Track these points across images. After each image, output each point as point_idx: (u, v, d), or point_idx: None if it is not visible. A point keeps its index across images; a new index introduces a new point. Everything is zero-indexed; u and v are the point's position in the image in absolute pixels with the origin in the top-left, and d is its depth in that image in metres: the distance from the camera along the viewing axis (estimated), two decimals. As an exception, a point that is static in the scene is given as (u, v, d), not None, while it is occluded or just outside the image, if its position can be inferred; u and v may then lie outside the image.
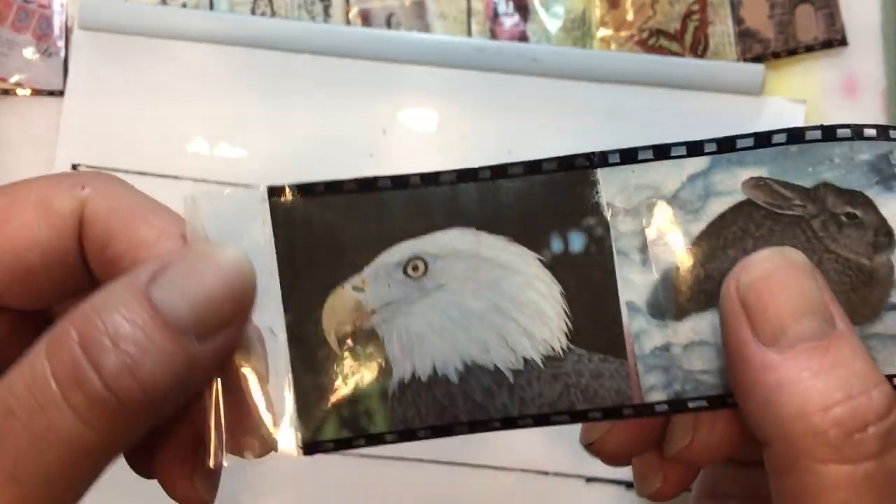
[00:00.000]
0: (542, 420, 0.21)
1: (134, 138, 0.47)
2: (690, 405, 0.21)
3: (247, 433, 0.21)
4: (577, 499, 0.46)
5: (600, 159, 0.22)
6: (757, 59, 0.48)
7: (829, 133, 0.22)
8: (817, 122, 0.50)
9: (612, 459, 0.25)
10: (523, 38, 0.48)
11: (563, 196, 0.22)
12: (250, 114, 0.47)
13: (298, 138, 0.47)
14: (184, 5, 0.48)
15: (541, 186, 0.22)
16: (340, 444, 0.21)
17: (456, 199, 0.21)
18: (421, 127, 0.47)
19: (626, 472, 0.46)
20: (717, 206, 0.22)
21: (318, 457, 0.47)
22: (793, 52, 0.48)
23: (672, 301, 0.22)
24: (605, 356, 0.21)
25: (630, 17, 0.48)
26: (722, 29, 0.48)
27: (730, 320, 0.21)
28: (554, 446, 0.46)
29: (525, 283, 0.21)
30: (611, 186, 0.22)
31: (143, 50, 0.47)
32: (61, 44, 0.47)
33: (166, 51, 0.47)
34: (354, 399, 0.21)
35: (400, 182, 0.21)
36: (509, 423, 0.22)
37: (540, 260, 0.22)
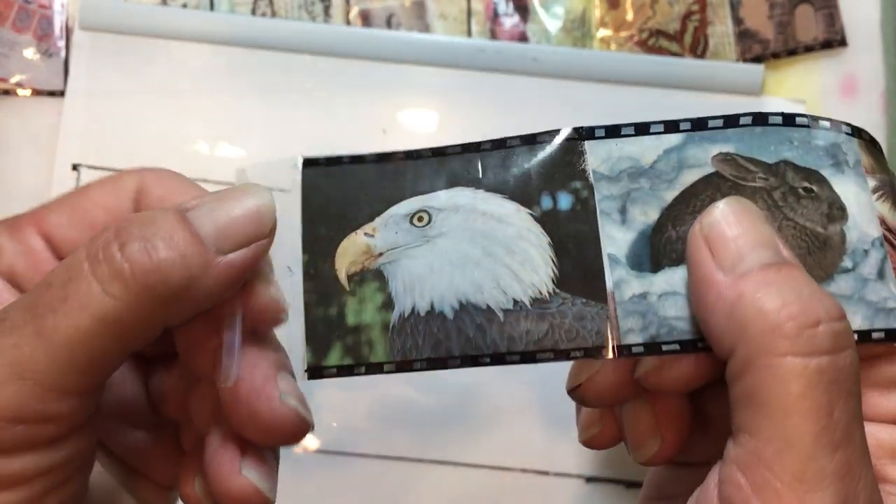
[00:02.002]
0: (528, 357, 0.23)
1: (134, 138, 0.47)
2: (664, 348, 0.23)
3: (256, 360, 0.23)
4: (577, 499, 0.46)
5: (587, 133, 0.24)
6: (756, 59, 0.48)
7: (789, 119, 0.24)
8: (817, 123, 0.50)
9: (596, 401, 0.26)
10: (523, 38, 0.48)
11: (553, 162, 0.24)
12: (250, 114, 0.47)
13: (298, 138, 0.47)
14: (184, 6, 0.48)
15: (535, 154, 0.24)
16: (342, 371, 0.23)
17: (460, 164, 0.24)
18: (421, 127, 0.47)
19: (626, 473, 0.46)
20: (689, 177, 0.24)
21: (318, 457, 0.47)
22: (792, 53, 0.48)
23: (649, 256, 0.24)
24: (587, 300, 0.23)
25: (630, 17, 0.48)
26: (721, 29, 0.48)
27: (695, 255, 0.23)
28: (554, 446, 0.46)
29: (517, 234, 0.24)
30: (596, 156, 0.24)
31: (144, 50, 0.47)
32: (62, 44, 0.47)
33: (167, 51, 0.47)
34: (358, 329, 0.24)
35: (413, 154, 0.25)
36: (498, 358, 0.23)
37: (531, 215, 0.24)
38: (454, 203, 0.24)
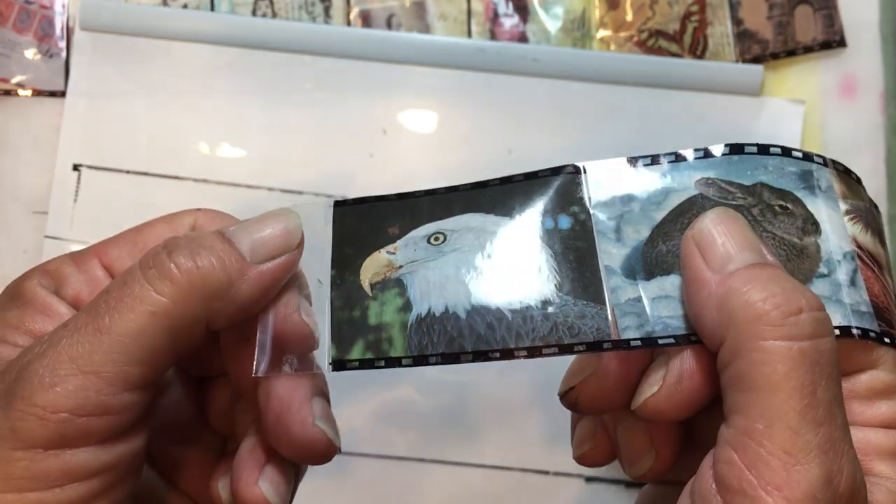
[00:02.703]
0: (534, 351, 0.25)
1: (135, 139, 0.47)
2: (660, 341, 0.25)
3: (288, 352, 0.26)
4: (577, 498, 0.46)
5: (584, 168, 0.27)
6: (756, 59, 0.48)
7: (763, 149, 0.27)
8: (816, 123, 0.51)
9: (589, 404, 0.27)
10: (523, 38, 0.48)
11: (555, 192, 0.27)
12: (251, 114, 0.47)
13: (299, 138, 0.47)
14: (185, 6, 0.48)
15: (538, 186, 0.27)
16: (364, 363, 0.26)
17: (471, 196, 0.27)
18: (421, 127, 0.47)
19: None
20: (675, 199, 0.27)
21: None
22: (791, 53, 0.48)
23: (641, 267, 0.26)
24: (587, 302, 0.26)
25: (629, 17, 0.49)
26: (721, 30, 0.48)
27: (687, 257, 0.25)
28: (554, 446, 0.46)
29: (523, 246, 0.26)
30: (592, 187, 0.27)
31: (145, 51, 0.47)
32: (63, 45, 0.48)
33: (167, 51, 0.47)
34: (379, 327, 0.26)
35: (430, 192, 0.27)
36: (507, 353, 0.25)
37: (535, 233, 0.27)
38: (467, 224, 0.27)
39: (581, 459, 0.30)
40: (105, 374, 0.23)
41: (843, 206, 0.26)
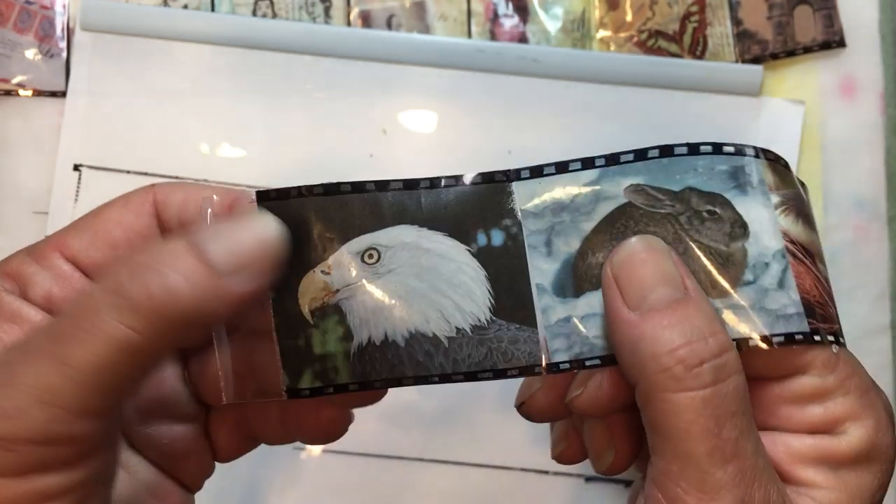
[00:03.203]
0: (470, 376, 0.26)
1: (136, 139, 0.47)
2: (587, 363, 0.26)
3: (249, 381, 0.27)
4: (577, 498, 0.46)
5: (514, 174, 0.27)
6: (755, 60, 0.48)
7: (693, 149, 0.27)
8: (816, 124, 0.51)
9: (538, 416, 0.30)
10: (523, 39, 0.48)
11: (486, 202, 0.27)
12: (251, 114, 0.47)
13: (299, 139, 0.47)
14: (185, 7, 0.48)
15: (469, 194, 0.27)
16: (314, 392, 0.27)
17: (402, 202, 0.27)
18: (421, 127, 0.48)
19: (625, 472, 0.46)
20: (605, 208, 0.27)
21: (319, 457, 0.47)
22: (791, 54, 0.48)
23: (571, 282, 0.27)
24: (520, 326, 0.27)
25: (629, 18, 0.49)
26: (720, 30, 0.48)
27: (606, 292, 0.26)
28: (553, 445, 0.46)
29: (457, 269, 0.27)
30: (522, 196, 0.27)
31: (145, 51, 0.47)
32: (63, 45, 0.48)
33: (168, 52, 0.47)
34: (324, 357, 0.27)
35: (358, 187, 0.27)
36: (445, 378, 0.26)
37: (469, 251, 0.27)
38: (401, 241, 0.27)
39: (558, 458, 0.32)
40: (69, 406, 0.21)
41: (774, 199, 0.27)
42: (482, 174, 0.27)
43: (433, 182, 0.27)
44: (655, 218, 0.27)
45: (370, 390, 0.27)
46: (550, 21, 0.49)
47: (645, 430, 0.26)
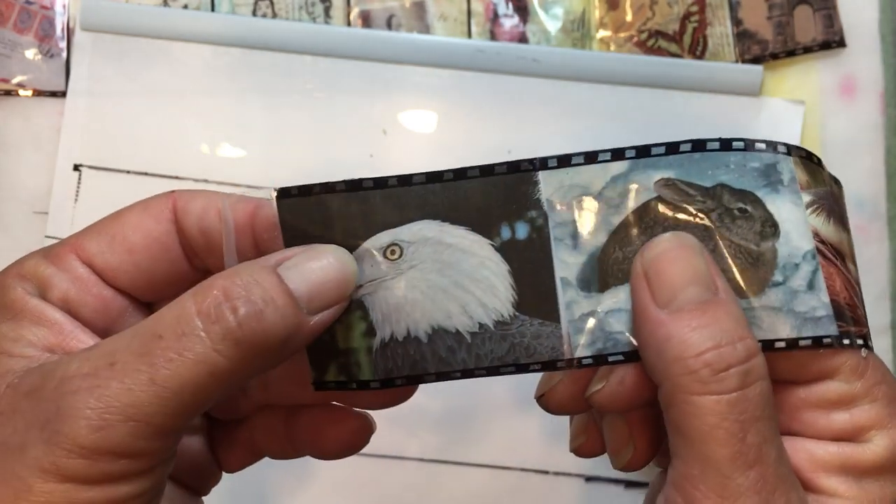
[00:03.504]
0: (493, 371, 0.26)
1: (136, 139, 0.47)
2: (610, 359, 0.26)
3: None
4: (577, 498, 0.46)
5: (541, 163, 0.26)
6: (755, 60, 0.48)
7: (725, 145, 0.26)
8: (816, 123, 0.51)
9: (559, 409, 0.29)
10: (523, 39, 0.48)
11: (511, 193, 0.26)
12: (251, 114, 0.47)
13: (299, 139, 0.47)
14: (185, 7, 0.48)
15: (493, 186, 0.26)
16: (339, 385, 0.27)
17: (425, 196, 0.26)
18: (421, 127, 0.48)
19: (625, 472, 0.46)
20: (633, 202, 0.26)
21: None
22: (791, 54, 0.48)
23: (597, 277, 0.26)
24: (543, 321, 0.26)
25: (629, 18, 0.49)
26: (721, 30, 0.48)
27: (635, 288, 0.25)
28: (554, 446, 0.46)
29: (480, 264, 0.26)
30: (549, 186, 0.26)
31: (145, 51, 0.47)
32: (63, 45, 0.48)
33: (168, 52, 0.47)
34: (347, 352, 0.27)
35: (380, 183, 0.26)
36: (468, 373, 0.26)
37: (492, 245, 0.26)
38: (423, 236, 0.26)
39: (577, 451, 0.31)
40: (154, 423, 0.23)
41: (806, 198, 0.26)
42: (508, 163, 0.26)
43: (457, 173, 0.26)
44: (686, 214, 0.26)
45: (391, 388, 0.26)
46: (550, 21, 0.49)
47: (666, 430, 0.25)
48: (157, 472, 0.24)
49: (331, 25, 0.48)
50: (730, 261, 0.26)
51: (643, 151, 0.26)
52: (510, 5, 0.49)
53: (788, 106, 0.48)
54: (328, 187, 0.26)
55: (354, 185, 0.26)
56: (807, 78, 0.48)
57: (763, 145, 0.26)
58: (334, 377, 0.27)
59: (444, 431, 0.46)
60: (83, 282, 0.26)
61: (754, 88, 0.47)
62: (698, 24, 0.48)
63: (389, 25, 0.48)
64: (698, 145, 0.26)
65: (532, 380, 0.47)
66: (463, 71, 0.47)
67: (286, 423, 0.30)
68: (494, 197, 0.26)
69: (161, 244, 0.27)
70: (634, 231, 0.26)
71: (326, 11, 0.48)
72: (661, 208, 0.26)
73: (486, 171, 0.26)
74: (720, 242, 0.26)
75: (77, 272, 0.26)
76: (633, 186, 0.26)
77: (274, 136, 0.47)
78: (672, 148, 0.26)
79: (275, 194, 0.26)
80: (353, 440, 0.30)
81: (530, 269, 0.26)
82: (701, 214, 0.26)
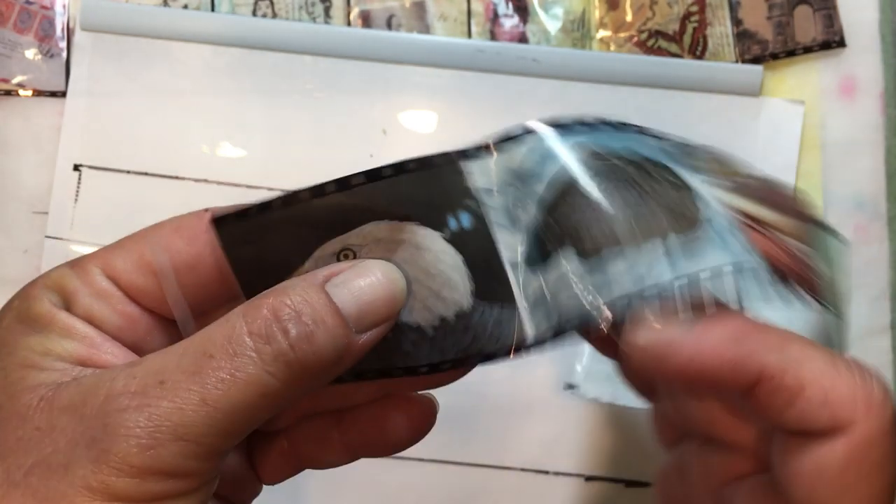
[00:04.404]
0: (459, 363, 0.26)
1: (136, 139, 0.47)
2: (566, 329, 0.26)
3: None
4: (577, 498, 0.46)
5: (461, 154, 0.26)
6: (755, 60, 0.48)
7: (643, 130, 0.27)
8: (816, 123, 0.50)
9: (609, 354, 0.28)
10: (523, 39, 0.48)
11: (447, 185, 0.26)
12: (251, 114, 0.47)
13: (299, 139, 0.47)
14: (185, 7, 0.48)
15: (430, 179, 0.26)
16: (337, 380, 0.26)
17: (368, 198, 0.26)
18: (421, 127, 0.48)
19: (626, 472, 0.46)
20: (552, 167, 0.26)
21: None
22: (791, 54, 0.48)
23: (537, 249, 0.26)
24: (502, 305, 0.26)
25: (629, 18, 0.49)
26: (721, 30, 0.48)
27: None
28: (554, 446, 0.46)
29: (435, 258, 0.26)
30: (476, 173, 0.26)
31: (145, 51, 0.47)
32: (63, 45, 0.48)
33: (168, 52, 0.47)
34: None
35: (318, 192, 0.25)
36: (434, 367, 0.26)
37: (443, 237, 0.26)
38: (373, 237, 0.26)
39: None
40: (204, 443, 0.22)
41: (718, 181, 0.26)
42: (438, 154, 0.26)
43: (396, 168, 0.26)
44: (604, 168, 0.26)
45: (364, 381, 0.26)
46: (550, 21, 0.49)
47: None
48: (203, 492, 0.24)
49: (331, 25, 0.48)
50: (661, 202, 0.26)
51: (555, 126, 0.26)
52: (510, 5, 0.49)
53: (788, 106, 0.48)
54: (266, 207, 0.25)
55: (291, 200, 0.25)
56: (807, 78, 0.48)
57: (678, 138, 0.27)
58: None
59: (444, 431, 0.46)
60: (108, 297, 0.26)
61: (754, 88, 0.47)
62: (698, 24, 0.48)
63: (389, 25, 0.48)
64: (619, 126, 0.27)
65: (532, 380, 0.47)
66: (463, 71, 0.47)
67: (339, 428, 0.29)
68: (434, 189, 0.26)
69: (190, 268, 0.26)
70: (559, 194, 0.26)
71: (326, 11, 0.48)
72: (580, 169, 0.26)
73: (424, 163, 0.26)
74: (645, 193, 0.26)
75: (101, 287, 0.26)
76: (549, 152, 0.26)
77: (274, 136, 0.47)
78: (586, 124, 0.27)
79: (209, 225, 0.25)
80: (422, 423, 0.30)
81: (481, 256, 0.26)
82: (620, 171, 0.26)
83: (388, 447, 0.29)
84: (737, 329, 0.24)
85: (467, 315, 0.26)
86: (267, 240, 0.26)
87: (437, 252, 0.26)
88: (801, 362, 0.23)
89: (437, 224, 0.26)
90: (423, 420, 0.29)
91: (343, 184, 0.26)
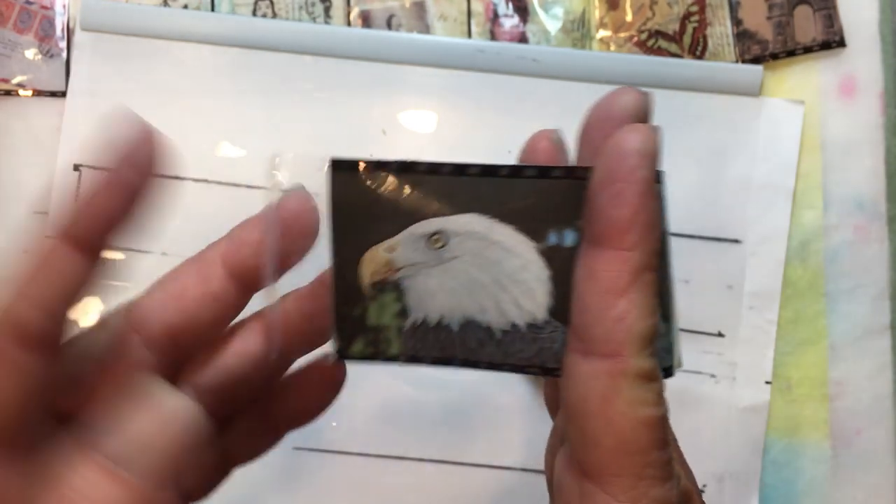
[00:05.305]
0: (518, 369, 0.26)
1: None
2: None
3: (297, 340, 0.28)
4: (577, 498, 0.46)
5: (585, 171, 0.26)
6: (755, 60, 0.48)
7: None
8: (816, 123, 0.51)
9: None
10: (523, 39, 0.48)
11: (563, 199, 0.26)
12: (251, 114, 0.47)
13: (299, 139, 0.47)
14: (185, 6, 0.48)
15: (546, 189, 0.26)
16: (364, 358, 0.27)
17: (477, 189, 0.26)
18: (421, 127, 0.48)
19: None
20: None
21: (319, 457, 0.47)
22: (791, 54, 0.48)
23: None
24: None
25: (629, 18, 0.49)
26: (720, 30, 0.48)
27: None
28: (553, 445, 0.46)
29: (522, 266, 0.26)
30: None
31: (145, 51, 0.47)
32: (63, 45, 0.48)
33: (168, 52, 0.47)
34: (378, 329, 0.27)
35: (434, 168, 0.26)
36: (494, 367, 0.26)
37: (536, 248, 0.26)
38: (470, 229, 0.26)
39: None
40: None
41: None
42: (564, 168, 0.26)
43: (513, 170, 0.26)
44: None
45: (417, 364, 0.27)
46: (550, 21, 0.49)
47: None
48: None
49: (331, 25, 0.48)
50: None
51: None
52: (510, 5, 0.49)
53: (788, 106, 0.48)
54: (381, 165, 0.26)
55: (407, 167, 0.26)
56: (807, 78, 0.48)
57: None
58: (360, 350, 0.27)
59: (444, 431, 0.46)
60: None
61: (754, 88, 0.47)
62: (698, 24, 0.48)
63: (389, 25, 0.48)
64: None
65: (532, 380, 0.47)
66: (463, 71, 0.47)
67: (265, 415, 0.30)
68: (547, 200, 0.26)
69: (210, 311, 0.26)
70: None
71: (326, 11, 0.48)
72: None
73: (543, 172, 0.26)
74: None
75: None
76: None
77: (274, 136, 0.47)
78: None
79: (328, 165, 0.26)
80: (339, 377, 0.30)
81: (570, 277, 0.26)
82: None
83: (313, 412, 0.30)
84: None
85: (539, 328, 0.26)
86: (370, 196, 0.26)
87: (526, 261, 0.26)
88: None
89: (536, 235, 0.26)
90: (337, 378, 0.30)
91: (459, 169, 0.26)
